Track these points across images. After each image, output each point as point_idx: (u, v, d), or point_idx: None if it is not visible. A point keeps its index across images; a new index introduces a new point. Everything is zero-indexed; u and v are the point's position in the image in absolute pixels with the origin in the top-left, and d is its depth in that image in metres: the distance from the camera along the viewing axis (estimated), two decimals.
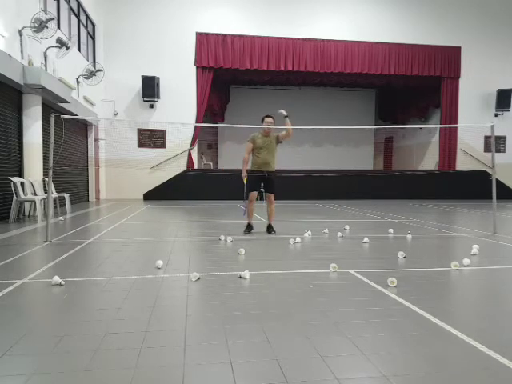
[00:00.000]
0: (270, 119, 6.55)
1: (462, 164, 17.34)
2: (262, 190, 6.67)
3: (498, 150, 16.87)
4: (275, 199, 6.69)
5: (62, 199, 10.14)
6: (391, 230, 6.72)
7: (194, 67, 15.72)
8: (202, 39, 15.62)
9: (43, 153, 9.48)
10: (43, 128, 9.48)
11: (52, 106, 10.22)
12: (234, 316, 2.71)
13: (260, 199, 6.85)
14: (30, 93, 9.01)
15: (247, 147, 6.57)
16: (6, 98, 8.52)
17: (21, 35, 8.50)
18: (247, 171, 6.53)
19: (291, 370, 1.97)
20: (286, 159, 15.63)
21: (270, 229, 6.68)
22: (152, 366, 2.01)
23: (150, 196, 15.34)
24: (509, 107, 17.57)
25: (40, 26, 8.59)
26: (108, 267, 4.15)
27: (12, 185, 8.04)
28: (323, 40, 16.30)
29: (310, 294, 3.25)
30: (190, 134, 15.79)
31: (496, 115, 17.62)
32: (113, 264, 4.31)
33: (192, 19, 15.62)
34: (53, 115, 5.94)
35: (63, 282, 3.44)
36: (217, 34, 15.68)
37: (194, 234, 6.66)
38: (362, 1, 16.76)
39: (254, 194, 6.58)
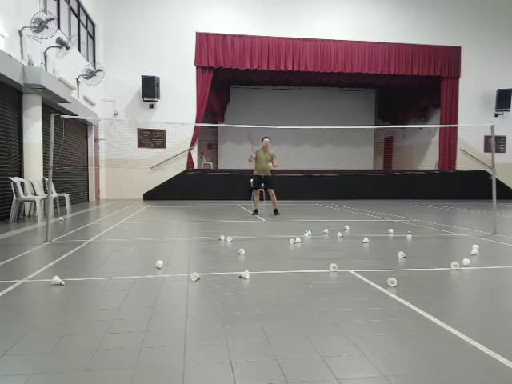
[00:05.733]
0: (267, 139, 9.44)
1: (462, 164, 17.34)
2: (262, 189, 9.75)
3: (498, 150, 16.87)
4: (277, 196, 9.55)
5: (61, 199, 10.14)
6: (391, 230, 6.72)
7: (194, 67, 15.71)
8: (202, 39, 15.61)
9: (43, 153, 9.48)
10: (43, 128, 9.47)
11: (52, 106, 10.22)
12: (234, 316, 2.71)
13: (261, 199, 9.96)
14: (29, 93, 9.00)
15: (253, 156, 9.46)
16: (6, 97, 8.52)
17: (21, 35, 8.50)
18: (253, 175, 9.77)
19: (291, 370, 1.97)
20: (286, 159, 15.66)
21: (276, 212, 9.40)
22: (152, 366, 2.01)
23: (149, 196, 15.34)
24: (509, 107, 17.57)
25: (40, 25, 8.59)
26: (108, 267, 4.15)
27: (12, 185, 8.04)
28: (323, 40, 16.29)
29: (310, 293, 3.25)
30: (190, 134, 15.78)
31: (496, 115, 17.62)
32: (113, 264, 4.31)
33: (192, 19, 15.61)
34: (53, 115, 5.94)
35: (63, 282, 3.44)
36: (217, 34, 15.67)
37: (194, 234, 6.66)
38: (362, 1, 16.75)
39: (258, 190, 9.68)
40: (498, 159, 9.62)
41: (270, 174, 9.44)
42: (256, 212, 9.52)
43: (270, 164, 9.28)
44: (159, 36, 15.46)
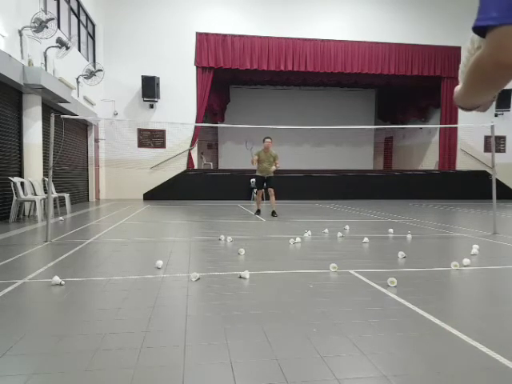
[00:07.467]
0: (268, 139, 9.23)
1: (462, 164, 17.34)
2: (264, 189, 9.60)
3: (498, 150, 16.86)
4: (276, 196, 9.40)
5: (62, 199, 10.13)
6: (391, 230, 6.72)
7: (194, 67, 15.71)
8: (202, 39, 15.61)
9: (43, 153, 9.48)
10: (43, 128, 9.47)
11: (52, 106, 10.22)
12: (234, 316, 2.71)
13: (262, 199, 9.90)
14: (29, 93, 9.00)
15: (254, 157, 9.35)
16: (6, 97, 8.52)
17: (21, 35, 8.50)
18: (255, 176, 9.63)
19: (291, 370, 1.96)
20: (286, 159, 15.64)
21: (273, 213, 9.28)
22: (152, 366, 2.01)
23: (149, 196, 15.34)
24: (509, 107, 17.57)
25: (40, 26, 8.59)
26: (108, 267, 4.15)
27: (12, 185, 8.04)
28: (323, 40, 16.29)
29: (310, 293, 3.25)
30: (190, 134, 15.78)
31: (496, 115, 17.61)
32: (113, 264, 4.31)
33: (192, 19, 15.61)
34: (53, 115, 5.94)
35: (63, 282, 3.44)
36: (217, 34, 15.67)
37: (193, 233, 6.66)
38: (362, 1, 16.75)
39: (260, 191, 9.63)
40: (498, 159, 9.62)
41: (272, 175, 9.33)
42: (259, 212, 9.55)
43: (274, 167, 9.11)
44: (159, 36, 15.46)
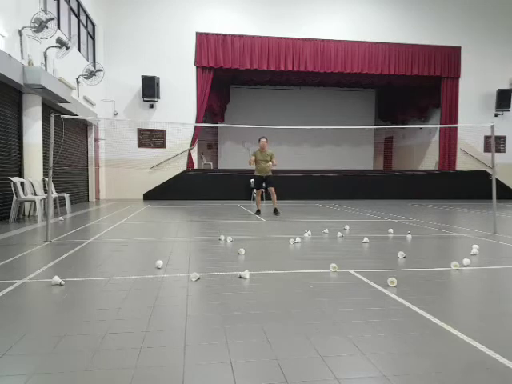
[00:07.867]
0: (264, 139, 9.34)
1: (462, 164, 17.34)
2: (263, 189, 9.73)
3: (498, 150, 16.86)
4: (278, 196, 9.54)
5: (61, 199, 10.14)
6: (391, 230, 6.71)
7: (194, 67, 15.72)
8: (202, 39, 15.62)
9: (43, 153, 9.48)
10: (43, 128, 9.48)
11: (52, 106, 10.22)
12: (234, 316, 2.71)
13: (261, 199, 10.05)
14: (29, 93, 9.00)
15: (251, 157, 9.45)
16: (6, 97, 8.52)
17: (21, 35, 8.50)
18: (254, 176, 9.80)
19: (291, 370, 1.97)
20: (285, 159, 15.67)
21: (275, 212, 9.36)
22: (152, 366, 2.01)
23: (150, 196, 15.34)
24: (509, 107, 17.57)
25: (40, 26, 8.59)
26: (108, 267, 4.15)
27: (12, 185, 8.04)
28: (323, 40, 16.29)
29: (310, 293, 3.25)
30: (190, 134, 15.79)
31: (496, 115, 17.62)
32: (113, 264, 4.31)
33: (192, 19, 15.62)
34: (53, 115, 5.94)
35: (63, 282, 3.43)
36: (217, 34, 15.67)
37: (194, 233, 6.66)
38: (362, 1, 16.75)
39: (259, 190, 9.72)
40: (498, 159, 9.62)
41: (270, 174, 9.43)
42: (259, 212, 9.56)
43: (270, 163, 9.22)
44: (159, 36, 15.46)
